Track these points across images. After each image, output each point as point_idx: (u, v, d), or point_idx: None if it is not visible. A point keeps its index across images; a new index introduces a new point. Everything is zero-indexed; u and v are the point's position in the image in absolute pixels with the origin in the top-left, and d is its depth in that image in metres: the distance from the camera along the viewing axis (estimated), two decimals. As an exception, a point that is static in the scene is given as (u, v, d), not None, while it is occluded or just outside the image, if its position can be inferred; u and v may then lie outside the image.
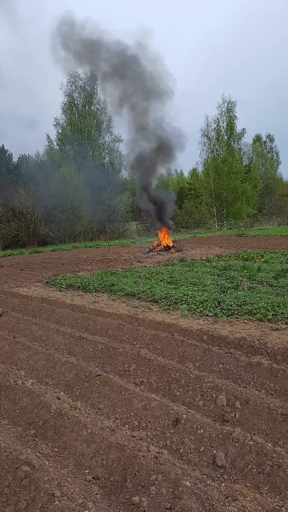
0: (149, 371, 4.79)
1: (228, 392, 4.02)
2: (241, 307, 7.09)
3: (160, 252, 19.08)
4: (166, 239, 20.67)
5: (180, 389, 4.33)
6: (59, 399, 4.20)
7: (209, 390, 4.14)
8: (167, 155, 24.62)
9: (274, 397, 4.09)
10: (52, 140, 47.08)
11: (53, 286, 11.11)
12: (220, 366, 4.79)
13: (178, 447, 3.38)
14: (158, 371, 4.73)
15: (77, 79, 44.67)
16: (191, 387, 4.30)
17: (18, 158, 44.11)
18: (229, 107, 44.00)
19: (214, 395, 4.06)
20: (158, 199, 22.94)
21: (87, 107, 45.17)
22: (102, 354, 5.50)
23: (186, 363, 4.98)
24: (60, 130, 45.48)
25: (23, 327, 7.21)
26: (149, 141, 24.28)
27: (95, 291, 9.86)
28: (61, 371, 5.07)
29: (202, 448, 3.30)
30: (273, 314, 6.54)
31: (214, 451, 3.22)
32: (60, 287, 10.78)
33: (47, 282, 11.75)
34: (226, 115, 44.29)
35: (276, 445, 3.32)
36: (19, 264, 17.98)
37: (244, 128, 45.46)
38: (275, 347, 5.11)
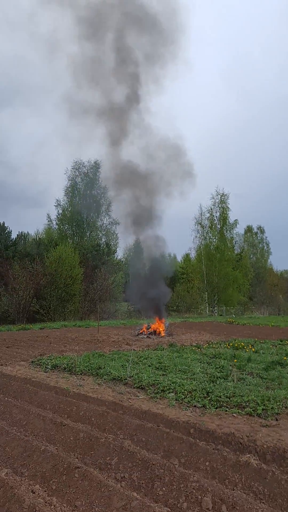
0: (131, 466, 4.53)
1: (214, 494, 3.78)
2: (230, 399, 6.89)
3: (150, 336, 18.82)
4: (158, 324, 20.52)
5: (164, 488, 4.07)
6: (33, 492, 3.92)
7: (194, 491, 3.90)
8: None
9: (263, 502, 3.85)
10: (52, 220, 48.93)
11: (38, 366, 10.79)
12: (207, 463, 4.55)
13: None
14: (141, 466, 4.47)
15: (81, 166, 47.87)
16: (175, 486, 4.04)
17: (17, 235, 45.17)
18: (222, 199, 46.46)
19: (200, 497, 3.81)
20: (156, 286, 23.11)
21: (88, 191, 47.71)
22: (83, 443, 5.22)
23: (171, 459, 4.73)
24: (60, 211, 47.53)
25: (2, 409, 6.89)
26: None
27: (81, 374, 9.57)
28: (38, 460, 4.77)
29: None
30: (263, 409, 6.35)
31: None
32: (46, 367, 10.47)
33: (32, 362, 11.43)
34: (219, 206, 46.61)
35: None
36: (5, 341, 17.57)
37: (236, 220, 47.45)
38: (265, 445, 4.90)
